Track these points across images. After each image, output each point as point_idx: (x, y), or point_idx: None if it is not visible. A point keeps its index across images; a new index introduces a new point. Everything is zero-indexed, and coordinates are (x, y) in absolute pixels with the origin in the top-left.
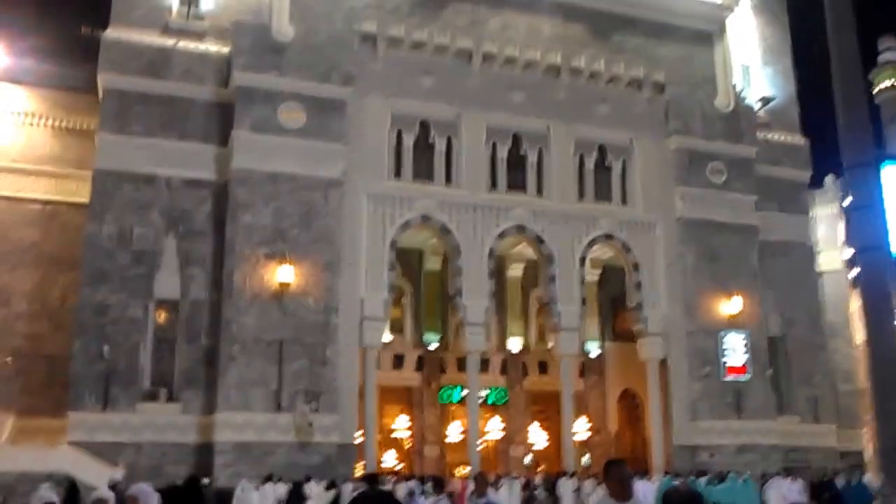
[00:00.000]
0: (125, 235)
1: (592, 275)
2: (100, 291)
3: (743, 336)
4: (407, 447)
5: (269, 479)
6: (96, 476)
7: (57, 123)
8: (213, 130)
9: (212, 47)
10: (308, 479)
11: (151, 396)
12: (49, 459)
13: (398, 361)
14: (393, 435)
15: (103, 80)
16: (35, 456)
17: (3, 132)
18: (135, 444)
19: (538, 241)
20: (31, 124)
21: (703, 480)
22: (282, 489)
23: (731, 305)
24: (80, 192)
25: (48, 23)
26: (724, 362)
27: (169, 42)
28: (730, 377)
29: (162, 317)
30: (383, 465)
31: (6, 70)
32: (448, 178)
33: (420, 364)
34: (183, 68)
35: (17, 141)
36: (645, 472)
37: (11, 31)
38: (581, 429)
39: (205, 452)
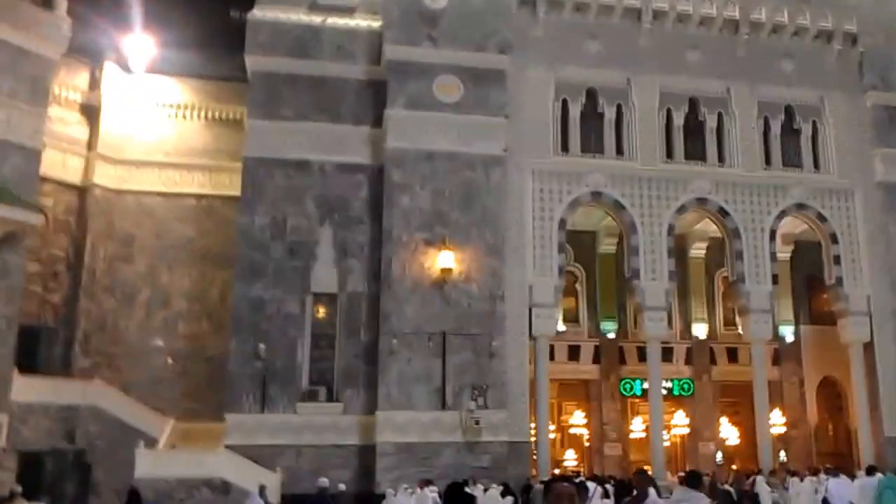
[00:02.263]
0: (279, 226)
1: (784, 252)
2: (254, 287)
3: None
4: (586, 445)
5: (426, 483)
6: (254, 481)
7: (209, 114)
8: (366, 111)
9: (362, 22)
10: (466, 483)
11: (311, 396)
12: (206, 464)
13: (573, 352)
14: (570, 431)
15: (250, 62)
16: (191, 460)
17: (155, 126)
18: (294, 447)
19: (722, 214)
20: (184, 117)
21: None
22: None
23: None
24: (234, 185)
25: (196, 11)
26: None
27: (317, 19)
28: None
29: (319, 311)
30: (566, 465)
31: (156, 62)
32: (619, 150)
33: (597, 355)
34: (333, 46)
35: (170, 134)
36: (838, 470)
37: (159, 22)
38: (776, 422)
39: (367, 454)
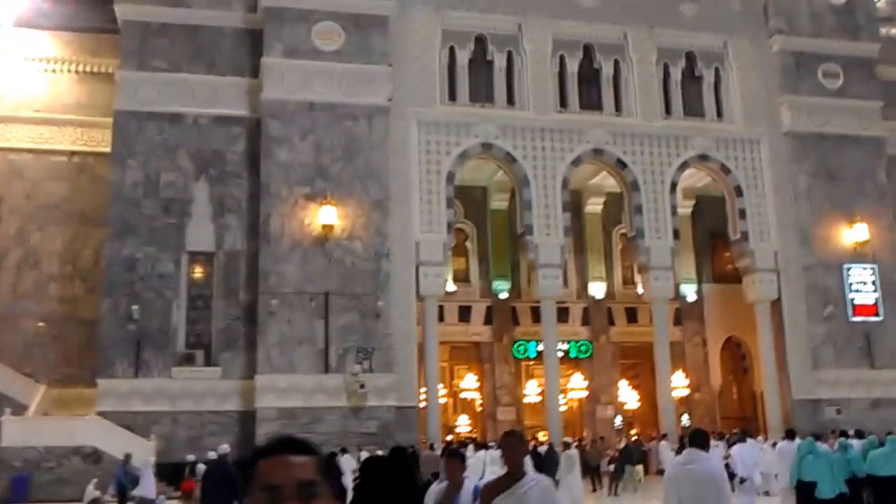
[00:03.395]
0: (151, 182)
1: (685, 207)
2: (127, 245)
3: (871, 269)
4: (479, 410)
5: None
6: (125, 448)
7: (81, 68)
8: (243, 61)
9: None
10: (344, 451)
11: (187, 360)
12: (76, 432)
13: (464, 314)
14: (461, 396)
15: (120, 10)
16: (61, 428)
17: (25, 80)
18: (171, 414)
19: (620, 165)
20: (54, 70)
21: (855, 443)
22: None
23: (855, 233)
24: (108, 142)
25: None
26: (851, 300)
27: None
28: (858, 318)
29: (196, 271)
30: (458, 431)
31: (24, 15)
32: (510, 100)
33: (489, 316)
34: None
35: (40, 89)
36: (746, 434)
37: None
38: (679, 385)
39: (248, 421)
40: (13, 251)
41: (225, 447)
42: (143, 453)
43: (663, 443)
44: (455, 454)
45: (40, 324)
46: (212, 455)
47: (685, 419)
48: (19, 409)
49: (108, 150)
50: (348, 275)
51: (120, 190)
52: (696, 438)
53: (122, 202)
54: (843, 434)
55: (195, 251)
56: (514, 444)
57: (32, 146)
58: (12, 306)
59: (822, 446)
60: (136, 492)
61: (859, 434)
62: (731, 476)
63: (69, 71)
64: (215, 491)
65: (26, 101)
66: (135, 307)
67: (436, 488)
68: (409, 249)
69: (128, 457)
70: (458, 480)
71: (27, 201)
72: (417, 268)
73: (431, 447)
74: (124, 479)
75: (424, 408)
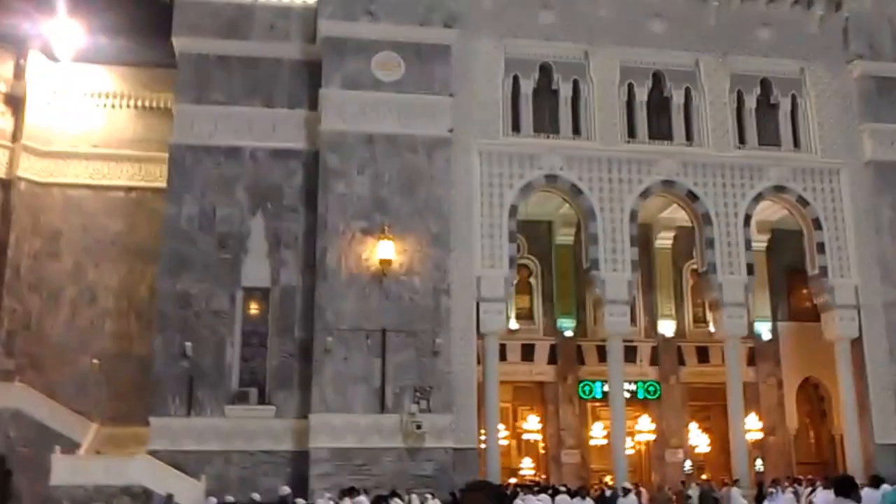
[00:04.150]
0: (207, 216)
1: (760, 241)
2: (181, 281)
3: None
4: (542, 453)
5: (350, 492)
6: (176, 490)
7: (139, 103)
8: (301, 93)
9: None
10: (396, 494)
11: (241, 398)
12: (125, 471)
13: (528, 353)
14: (524, 437)
15: (178, 44)
16: (110, 467)
17: (82, 116)
18: (223, 453)
19: (691, 198)
20: (112, 106)
21: None
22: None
23: None
24: (165, 176)
25: None
26: None
27: None
28: None
29: (250, 307)
30: (522, 474)
31: (83, 50)
32: (576, 130)
33: (554, 355)
34: (265, 25)
35: (98, 124)
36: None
37: (86, 8)
38: (752, 427)
39: (301, 461)
40: (70, 287)
41: (286, 489)
42: (193, 494)
43: (734, 489)
44: (477, 487)
45: (95, 360)
46: (255, 497)
47: (759, 464)
48: (71, 447)
49: (164, 185)
50: (406, 311)
51: (174, 224)
52: (844, 486)
53: (177, 236)
54: None
55: (250, 287)
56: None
57: (90, 181)
58: (67, 342)
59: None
60: None
61: None
62: None
63: (127, 106)
64: None
65: (84, 137)
66: (188, 344)
67: None
68: (470, 285)
69: (170, 497)
70: None
71: (84, 236)
72: (478, 304)
73: None
74: None
75: (486, 450)
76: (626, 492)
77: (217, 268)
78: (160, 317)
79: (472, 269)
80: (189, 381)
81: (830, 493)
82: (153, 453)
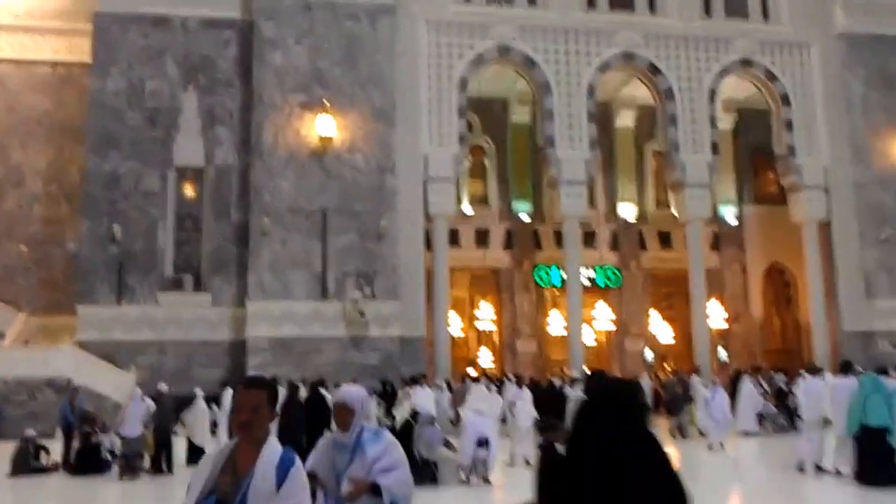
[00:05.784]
0: (135, 91)
1: (725, 121)
2: (109, 160)
3: None
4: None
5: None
6: (104, 382)
7: None
8: None
9: None
10: (323, 383)
11: (175, 285)
12: (49, 362)
13: (482, 238)
14: (476, 325)
15: None
16: (33, 358)
17: None
18: (157, 343)
19: (653, 71)
20: None
21: None
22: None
23: None
24: None
25: None
26: None
27: None
28: None
29: (184, 188)
30: (479, 365)
31: None
32: None
33: (510, 240)
34: None
35: None
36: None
37: None
38: (715, 315)
39: (239, 351)
40: None
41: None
42: (123, 386)
43: (694, 377)
44: (255, 384)
45: (23, 247)
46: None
47: (722, 353)
48: None
49: None
50: (348, 191)
51: (100, 99)
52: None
53: (103, 113)
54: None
55: (183, 166)
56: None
57: (13, 56)
58: None
59: (891, 383)
60: (121, 431)
61: None
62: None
63: None
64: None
65: (5, 7)
66: (116, 227)
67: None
68: (417, 164)
69: (74, 391)
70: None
71: (7, 115)
72: (426, 184)
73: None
74: (71, 417)
75: (435, 339)
76: (574, 382)
77: (147, 146)
78: (86, 198)
79: (419, 147)
80: (119, 268)
81: (819, 380)
82: (82, 344)
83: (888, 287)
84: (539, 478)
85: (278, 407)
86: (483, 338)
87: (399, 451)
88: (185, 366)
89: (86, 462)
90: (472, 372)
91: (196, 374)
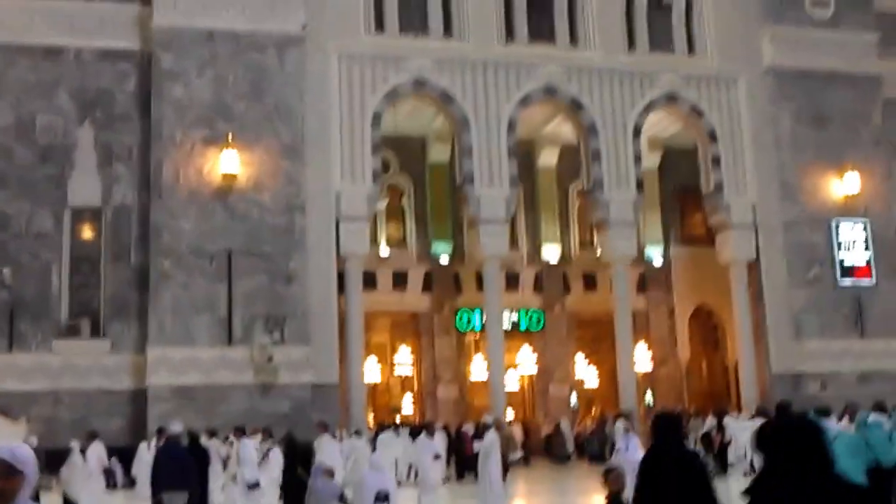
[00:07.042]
0: (25, 126)
1: (651, 160)
2: None
3: (863, 223)
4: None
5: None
6: None
7: None
8: None
9: None
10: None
11: (71, 332)
12: None
13: (400, 281)
14: (400, 373)
15: None
16: None
17: None
18: (51, 393)
19: (575, 106)
20: None
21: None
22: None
23: (845, 184)
24: None
25: None
26: (840, 261)
27: None
28: (847, 281)
29: (80, 229)
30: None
31: None
32: (447, 29)
33: (428, 283)
34: None
35: None
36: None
37: None
38: (642, 358)
39: (141, 400)
40: None
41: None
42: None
43: (619, 423)
44: None
45: None
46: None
47: (648, 397)
48: None
49: None
50: (255, 231)
51: None
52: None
53: None
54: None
55: (79, 206)
56: None
57: None
58: None
59: (832, 425)
60: None
61: (880, 407)
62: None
63: None
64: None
65: None
66: (6, 270)
67: None
68: (329, 202)
69: None
70: None
71: None
72: (338, 223)
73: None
74: None
75: (349, 386)
76: (486, 428)
77: (39, 184)
78: None
79: (331, 184)
80: (10, 313)
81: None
82: None
83: (817, 327)
84: None
85: None
86: (406, 384)
87: None
88: (82, 417)
89: None
90: (398, 419)
91: (95, 425)
